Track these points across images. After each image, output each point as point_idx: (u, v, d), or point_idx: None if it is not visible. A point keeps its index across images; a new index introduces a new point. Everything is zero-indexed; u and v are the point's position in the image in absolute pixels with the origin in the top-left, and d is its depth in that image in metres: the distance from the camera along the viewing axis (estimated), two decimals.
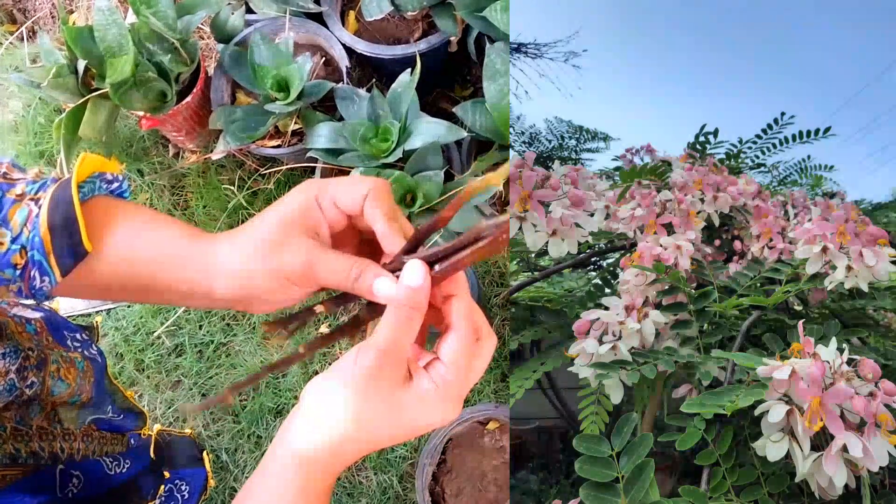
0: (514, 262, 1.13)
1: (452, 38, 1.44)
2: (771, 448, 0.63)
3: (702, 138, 1.20)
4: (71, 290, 0.48)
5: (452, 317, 0.44)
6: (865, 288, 0.81)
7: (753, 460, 0.68)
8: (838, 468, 0.60)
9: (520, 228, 0.83)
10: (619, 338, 0.81)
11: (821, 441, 0.63)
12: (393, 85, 1.34)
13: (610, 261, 1.09)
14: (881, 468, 0.60)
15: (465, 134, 1.27)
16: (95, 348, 0.80)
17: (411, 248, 0.46)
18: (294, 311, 0.49)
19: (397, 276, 0.44)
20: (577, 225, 0.85)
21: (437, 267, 0.44)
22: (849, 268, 0.81)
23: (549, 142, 1.71)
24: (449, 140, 1.28)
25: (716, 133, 1.20)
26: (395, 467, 1.51)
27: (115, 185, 0.52)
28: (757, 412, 0.65)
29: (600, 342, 0.80)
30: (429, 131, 1.29)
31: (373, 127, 1.32)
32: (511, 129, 1.18)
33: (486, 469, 1.31)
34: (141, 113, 1.47)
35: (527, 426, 1.24)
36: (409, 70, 1.30)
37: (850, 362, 0.65)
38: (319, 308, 0.48)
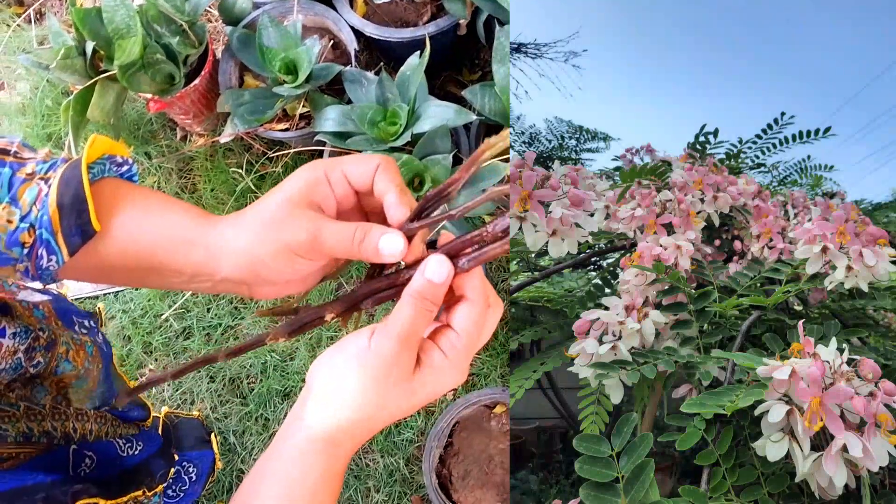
0: (514, 262, 1.13)
1: (462, 21, 1.43)
2: (771, 448, 0.63)
3: (702, 138, 1.20)
4: (76, 273, 0.48)
5: (466, 289, 0.45)
6: (865, 288, 0.81)
7: (753, 460, 0.68)
8: (838, 468, 0.60)
9: (520, 228, 0.83)
10: (619, 338, 0.81)
11: (821, 441, 0.63)
12: (402, 68, 1.34)
13: (610, 261, 1.09)
14: (881, 468, 0.60)
15: (473, 117, 1.26)
16: (101, 337, 0.80)
17: (419, 213, 0.46)
18: (304, 320, 0.49)
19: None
20: (577, 225, 0.84)
21: (462, 261, 0.44)
22: (849, 268, 0.81)
23: (549, 142, 1.71)
24: (458, 123, 1.27)
25: (716, 133, 1.20)
26: (401, 450, 1.51)
27: (125, 167, 0.52)
28: (757, 412, 0.65)
29: (600, 342, 0.80)
30: (437, 114, 1.28)
31: (381, 110, 1.32)
32: (511, 129, 1.18)
33: (492, 452, 1.32)
34: (149, 96, 1.47)
35: (527, 426, 1.24)
36: (417, 53, 1.30)
37: (850, 362, 0.65)
38: (330, 315, 0.48)
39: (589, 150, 1.68)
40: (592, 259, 1.11)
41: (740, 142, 1.21)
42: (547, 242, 0.84)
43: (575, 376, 0.82)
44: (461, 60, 1.70)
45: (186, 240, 0.46)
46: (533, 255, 1.07)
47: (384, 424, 0.44)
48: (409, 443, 1.52)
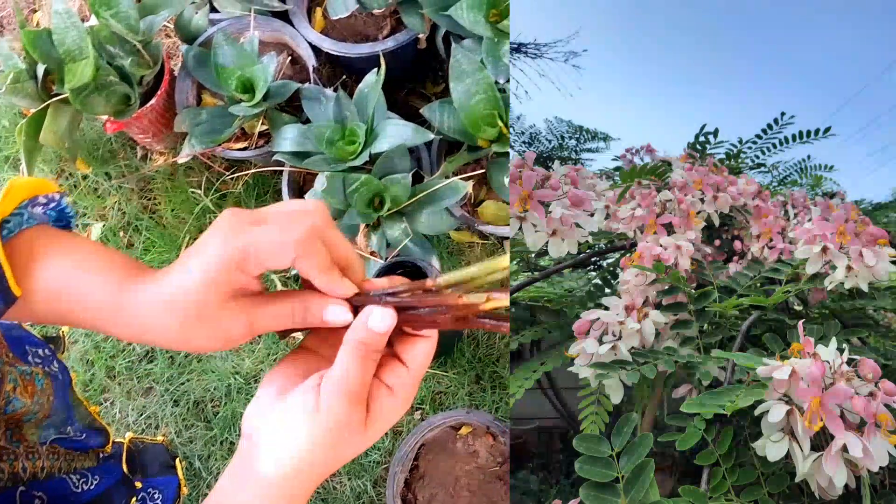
0: (514, 262, 1.13)
1: (421, 36, 1.42)
2: (771, 448, 0.63)
3: (702, 138, 1.20)
4: (17, 317, 0.46)
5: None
6: (865, 288, 0.81)
7: (753, 460, 0.68)
8: (838, 468, 0.60)
9: (520, 228, 0.83)
10: (619, 338, 0.81)
11: (821, 441, 0.63)
12: (360, 85, 1.32)
13: (610, 261, 1.09)
14: (881, 468, 0.60)
15: (431, 136, 1.25)
16: (58, 364, 0.77)
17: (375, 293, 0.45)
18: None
19: (357, 307, 0.44)
20: (577, 225, 0.85)
21: (407, 325, 0.43)
22: (849, 268, 0.81)
23: (549, 142, 1.71)
24: (416, 143, 1.26)
25: (716, 133, 1.20)
26: (368, 472, 1.50)
27: (53, 205, 0.49)
28: (757, 412, 0.65)
29: (600, 342, 0.80)
30: (395, 134, 1.26)
31: (339, 129, 1.30)
32: (511, 129, 1.18)
33: (458, 474, 1.30)
34: (105, 117, 1.44)
35: (527, 426, 1.24)
36: (375, 70, 1.28)
37: (850, 362, 0.65)
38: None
39: (589, 150, 1.68)
40: (592, 259, 1.11)
41: (740, 142, 1.21)
42: (547, 242, 0.84)
43: (575, 376, 0.82)
44: (424, 73, 1.68)
45: (108, 311, 0.44)
46: (533, 255, 1.07)
47: (339, 467, 0.44)
48: (376, 464, 1.50)
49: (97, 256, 0.46)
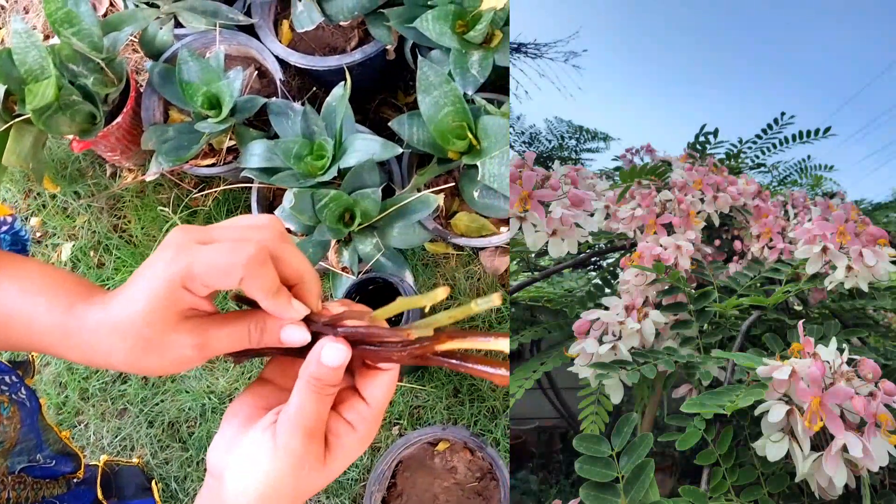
0: (514, 262, 1.13)
1: (389, 47, 1.40)
2: (771, 448, 0.63)
3: (702, 138, 1.20)
4: None
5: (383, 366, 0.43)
6: (865, 288, 0.81)
7: (753, 460, 0.68)
8: (838, 468, 0.60)
9: (520, 228, 0.83)
10: (619, 338, 0.81)
11: (821, 441, 0.63)
12: (327, 99, 1.30)
13: (610, 261, 1.10)
14: (881, 468, 0.60)
15: (399, 150, 1.24)
16: (26, 391, 0.76)
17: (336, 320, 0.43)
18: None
19: (315, 333, 0.43)
20: (577, 225, 0.85)
21: (366, 358, 0.42)
22: (849, 268, 0.81)
23: (549, 142, 1.71)
24: (384, 157, 1.24)
25: (716, 133, 1.20)
26: (347, 490, 1.47)
27: (5, 228, 0.49)
28: (757, 412, 0.65)
29: (600, 342, 0.80)
30: (363, 148, 1.25)
31: (307, 144, 1.28)
32: (511, 129, 1.18)
33: (437, 491, 1.28)
34: (71, 136, 1.41)
35: (527, 426, 1.24)
36: (342, 84, 1.27)
37: (850, 362, 0.65)
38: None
39: (589, 150, 1.68)
40: (592, 259, 1.11)
41: (740, 142, 1.21)
42: (547, 242, 0.84)
43: (575, 376, 0.82)
44: (395, 83, 1.66)
45: (55, 336, 0.43)
46: (533, 255, 1.07)
47: (303, 502, 0.43)
48: (354, 482, 1.48)
49: (45, 280, 0.45)
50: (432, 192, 1.26)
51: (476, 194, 1.27)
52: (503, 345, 0.39)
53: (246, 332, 0.42)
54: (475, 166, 1.20)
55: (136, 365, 0.41)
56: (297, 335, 0.43)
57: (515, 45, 1.72)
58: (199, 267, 0.40)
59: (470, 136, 1.21)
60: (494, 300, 0.37)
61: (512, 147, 1.20)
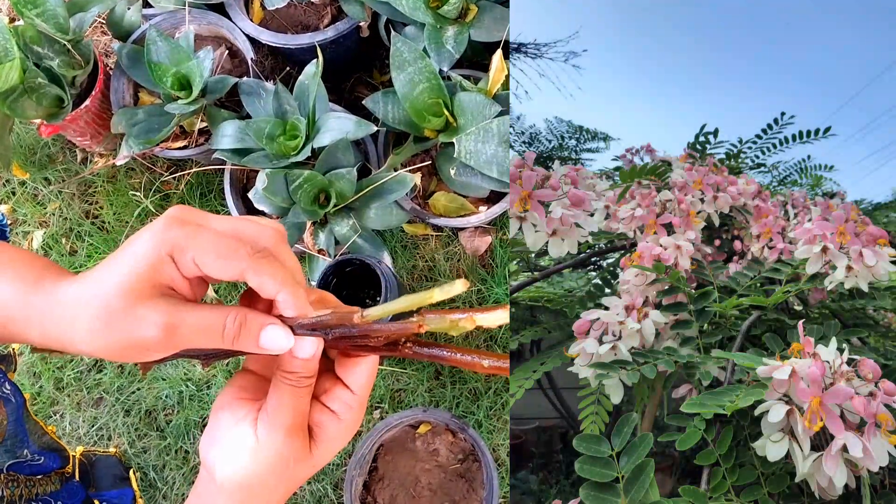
0: (514, 262, 1.13)
1: (362, 24, 1.36)
2: (771, 448, 0.63)
3: (702, 138, 1.20)
4: None
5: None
6: (865, 288, 0.81)
7: (753, 460, 0.68)
8: (838, 468, 0.60)
9: (520, 228, 0.83)
10: (619, 338, 0.81)
11: (821, 441, 0.63)
12: (300, 77, 1.26)
13: (610, 261, 1.10)
14: (881, 468, 0.60)
15: (373, 129, 1.20)
16: (10, 386, 0.75)
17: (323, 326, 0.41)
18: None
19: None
20: (577, 225, 0.85)
21: (344, 348, 0.41)
22: (849, 268, 0.81)
23: (549, 142, 1.71)
24: (358, 136, 1.21)
25: (716, 133, 1.20)
26: (328, 475, 1.46)
27: None
28: (757, 412, 0.65)
29: (600, 342, 0.80)
30: (337, 127, 1.21)
31: (279, 123, 1.24)
32: (511, 129, 1.17)
33: (418, 473, 1.28)
34: (38, 120, 1.38)
35: (527, 426, 1.24)
36: (315, 62, 1.22)
37: (850, 362, 0.65)
38: None
39: (589, 150, 1.68)
40: (592, 259, 1.11)
41: (740, 142, 1.21)
42: (547, 242, 0.84)
43: (575, 376, 0.82)
44: (370, 61, 1.62)
45: (10, 315, 0.40)
46: (533, 255, 1.07)
47: (291, 493, 0.43)
48: (336, 467, 1.47)
49: (12, 258, 0.43)
50: (408, 171, 1.23)
51: (452, 172, 1.24)
52: (500, 318, 0.36)
53: (222, 324, 0.38)
54: (452, 144, 1.17)
55: (95, 342, 0.37)
56: (280, 341, 0.39)
57: (515, 45, 1.72)
58: (196, 242, 0.37)
59: (446, 113, 1.18)
60: (457, 287, 0.36)
61: (512, 147, 1.19)
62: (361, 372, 0.42)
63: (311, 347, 0.40)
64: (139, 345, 0.37)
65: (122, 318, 0.37)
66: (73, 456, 0.89)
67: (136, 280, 0.36)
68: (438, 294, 0.36)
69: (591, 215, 0.91)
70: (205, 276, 0.39)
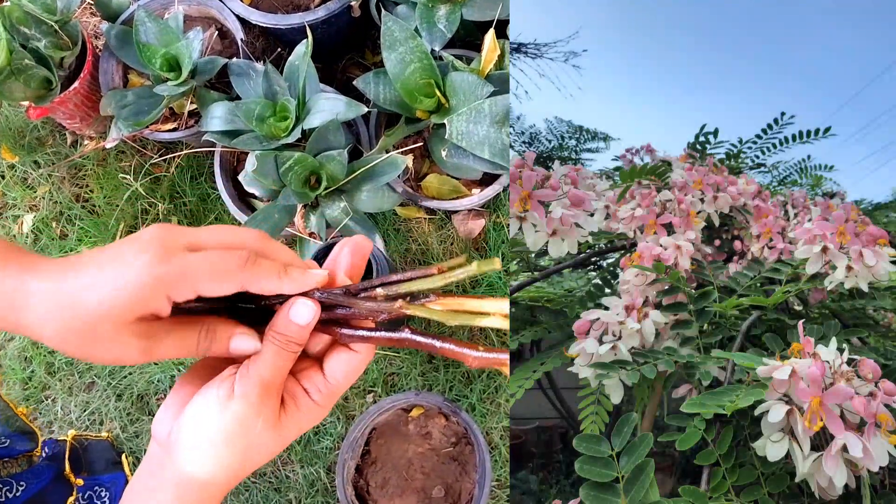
0: (514, 262, 1.13)
1: (353, 3, 1.35)
2: (771, 448, 0.63)
3: (702, 138, 1.20)
4: None
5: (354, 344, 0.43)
6: (865, 288, 0.81)
7: (753, 460, 0.68)
8: (838, 468, 0.60)
9: (520, 228, 0.83)
10: (619, 338, 0.81)
11: (821, 441, 0.63)
12: (290, 58, 1.25)
13: (610, 261, 1.09)
14: (881, 468, 0.60)
15: (364, 109, 1.18)
16: None
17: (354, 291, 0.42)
18: None
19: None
20: (577, 225, 0.85)
21: (345, 331, 0.42)
22: (849, 268, 0.81)
23: (549, 142, 1.71)
24: (349, 117, 1.18)
25: (716, 133, 1.20)
26: (321, 459, 1.45)
27: None
28: (757, 412, 0.65)
29: (600, 342, 0.80)
30: (328, 108, 1.19)
31: (269, 105, 1.22)
32: (511, 129, 1.17)
33: (411, 457, 1.27)
34: (26, 103, 1.37)
35: (527, 426, 1.24)
36: (305, 42, 1.20)
37: (850, 362, 0.65)
38: None
39: (589, 150, 1.68)
40: (592, 259, 1.11)
41: (740, 142, 1.21)
42: (547, 242, 0.84)
43: (575, 376, 0.82)
44: (362, 41, 1.59)
45: None
46: (533, 255, 1.07)
47: (254, 468, 0.43)
48: (328, 451, 1.46)
49: None
50: (400, 153, 1.22)
51: (444, 154, 1.22)
52: (499, 323, 0.37)
53: (195, 339, 0.41)
54: (444, 125, 1.15)
55: (69, 349, 0.39)
56: (246, 344, 0.42)
57: (515, 45, 1.72)
58: (190, 270, 0.38)
59: (438, 93, 1.16)
60: (496, 263, 0.37)
61: (512, 147, 1.19)
62: (343, 363, 0.43)
63: (308, 313, 0.41)
64: (116, 361, 0.39)
65: (104, 341, 0.38)
66: (64, 440, 0.88)
67: (127, 312, 0.38)
68: (476, 267, 0.38)
69: (591, 215, 0.91)
70: (203, 297, 0.40)
